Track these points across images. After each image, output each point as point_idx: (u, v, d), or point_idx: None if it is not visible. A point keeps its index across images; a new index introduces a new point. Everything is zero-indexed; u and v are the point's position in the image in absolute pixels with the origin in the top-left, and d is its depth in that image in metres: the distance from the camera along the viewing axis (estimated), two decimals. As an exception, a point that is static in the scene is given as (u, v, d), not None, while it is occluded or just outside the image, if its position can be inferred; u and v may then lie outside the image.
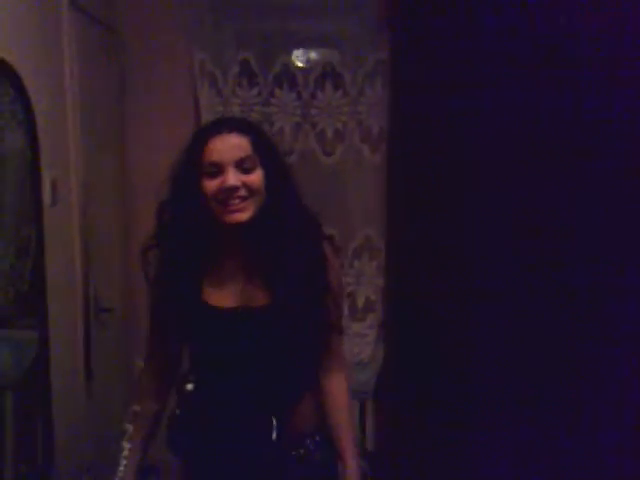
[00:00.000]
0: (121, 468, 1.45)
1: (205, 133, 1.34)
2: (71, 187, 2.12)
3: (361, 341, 2.94)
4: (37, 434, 1.85)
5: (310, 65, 2.91)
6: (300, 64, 2.92)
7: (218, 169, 1.29)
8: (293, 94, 2.89)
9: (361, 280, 2.96)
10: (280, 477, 1.41)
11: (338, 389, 1.49)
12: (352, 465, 1.46)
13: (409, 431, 2.88)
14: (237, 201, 1.28)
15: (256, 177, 1.31)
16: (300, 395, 1.43)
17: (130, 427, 1.50)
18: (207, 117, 2.85)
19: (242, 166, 1.30)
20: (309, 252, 1.38)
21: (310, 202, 2.86)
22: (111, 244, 2.54)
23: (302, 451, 1.42)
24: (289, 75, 2.89)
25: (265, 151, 1.34)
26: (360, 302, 2.96)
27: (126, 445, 1.48)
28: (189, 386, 1.41)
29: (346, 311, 2.88)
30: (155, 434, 1.51)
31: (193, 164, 1.31)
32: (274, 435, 1.35)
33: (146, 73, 2.83)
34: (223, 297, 1.36)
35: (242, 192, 1.29)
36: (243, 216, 1.29)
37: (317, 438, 1.45)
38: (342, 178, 2.93)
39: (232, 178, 1.28)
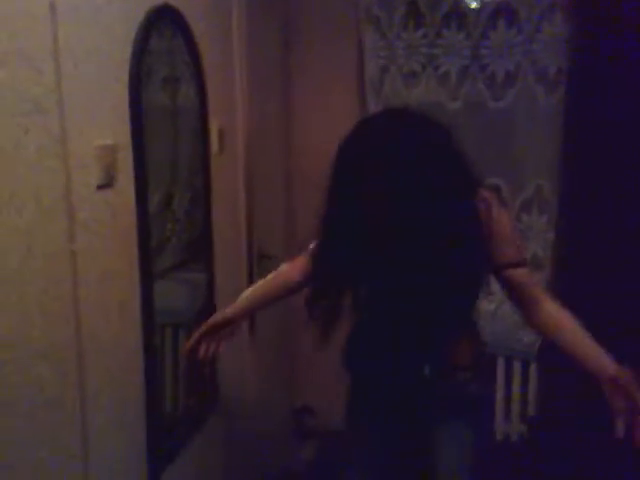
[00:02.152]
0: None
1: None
2: (237, 136, 2.16)
3: (526, 300, 2.76)
4: (204, 371, 1.94)
5: (481, 3, 2.70)
6: (471, 2, 2.72)
7: None
8: (462, 34, 2.70)
9: (529, 235, 2.76)
10: (429, 407, 1.52)
11: (556, 312, 1.45)
12: (615, 369, 1.37)
13: (575, 397, 2.71)
14: None
15: None
16: (455, 336, 1.51)
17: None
18: (370, 61, 2.78)
19: None
20: (457, 211, 1.38)
21: (476, 151, 2.74)
22: (274, 193, 2.57)
23: (454, 383, 1.51)
24: (459, 14, 2.71)
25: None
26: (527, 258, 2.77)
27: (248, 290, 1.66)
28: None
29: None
30: (279, 300, 1.68)
31: None
32: (427, 370, 1.48)
33: (310, 18, 2.80)
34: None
35: None
36: None
37: (469, 374, 1.52)
38: (512, 124, 2.72)
39: None
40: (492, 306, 2.78)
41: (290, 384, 2.93)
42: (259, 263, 2.36)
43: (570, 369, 2.64)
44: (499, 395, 2.86)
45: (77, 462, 1.23)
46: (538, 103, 2.68)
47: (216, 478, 1.96)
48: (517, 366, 2.82)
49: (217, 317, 1.61)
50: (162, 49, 1.61)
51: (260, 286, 1.67)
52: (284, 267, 1.67)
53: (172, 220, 1.76)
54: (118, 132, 1.35)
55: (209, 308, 1.92)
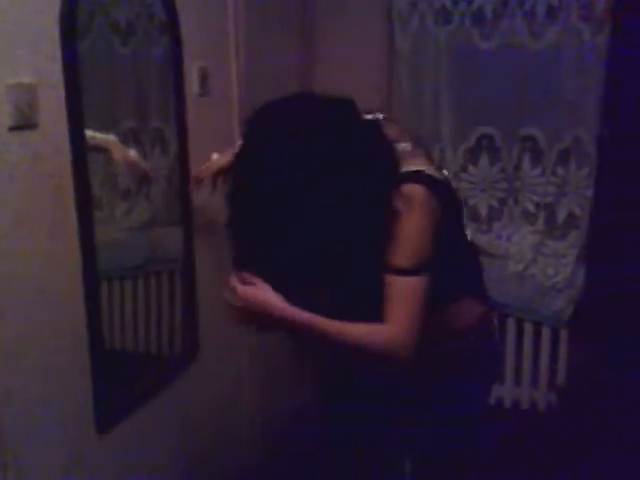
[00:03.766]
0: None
1: None
2: (231, 77, 2.04)
3: (557, 262, 2.54)
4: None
5: None
6: None
7: None
8: (497, -36, 2.44)
9: (564, 190, 2.51)
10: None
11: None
12: None
13: (608, 366, 2.49)
14: None
15: None
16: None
17: None
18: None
19: None
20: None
21: (510, 96, 2.49)
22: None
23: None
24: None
25: None
26: (561, 217, 2.54)
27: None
28: None
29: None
30: None
31: None
32: None
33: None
34: None
35: None
36: None
37: (472, 337, 1.46)
38: (552, 66, 2.45)
39: None
40: (519, 267, 2.57)
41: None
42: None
43: (607, 339, 2.46)
44: (526, 362, 2.68)
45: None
46: (583, 43, 2.39)
47: (185, 437, 1.91)
48: (546, 332, 2.63)
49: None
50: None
51: None
52: None
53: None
54: (42, 70, 1.27)
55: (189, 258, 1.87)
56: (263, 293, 1.27)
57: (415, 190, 1.25)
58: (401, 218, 1.23)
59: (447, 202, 1.32)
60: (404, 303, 1.23)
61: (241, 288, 1.28)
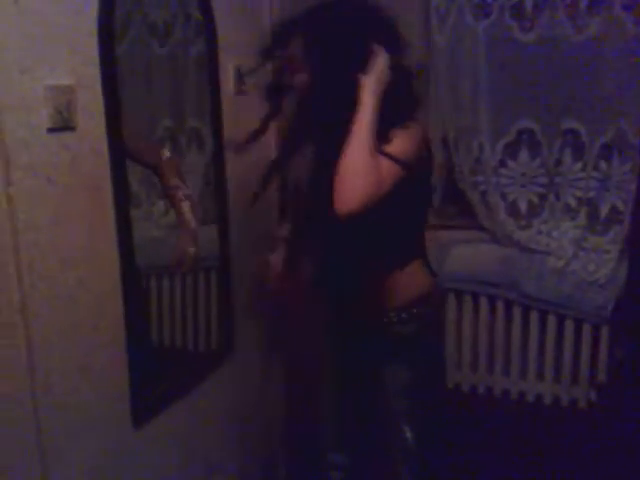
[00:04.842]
0: None
1: None
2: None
3: (599, 258, 2.48)
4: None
5: None
6: None
7: None
8: (537, -46, 2.39)
9: (607, 184, 2.46)
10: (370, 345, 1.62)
11: None
12: None
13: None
14: None
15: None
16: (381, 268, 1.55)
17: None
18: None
19: None
20: None
21: (551, 88, 2.44)
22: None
23: (385, 320, 1.57)
24: None
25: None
26: (603, 211, 2.48)
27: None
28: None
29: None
30: None
31: None
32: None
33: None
34: None
35: None
36: None
37: (403, 315, 1.56)
38: (594, 58, 2.39)
39: None
40: (560, 262, 2.52)
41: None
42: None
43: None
44: (566, 359, 2.63)
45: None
46: (627, 33, 2.32)
47: (214, 438, 1.93)
48: (587, 329, 2.57)
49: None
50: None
51: None
52: None
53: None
54: (80, 71, 1.30)
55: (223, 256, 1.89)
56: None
57: (415, 124, 1.48)
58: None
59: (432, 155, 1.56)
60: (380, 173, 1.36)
61: None
